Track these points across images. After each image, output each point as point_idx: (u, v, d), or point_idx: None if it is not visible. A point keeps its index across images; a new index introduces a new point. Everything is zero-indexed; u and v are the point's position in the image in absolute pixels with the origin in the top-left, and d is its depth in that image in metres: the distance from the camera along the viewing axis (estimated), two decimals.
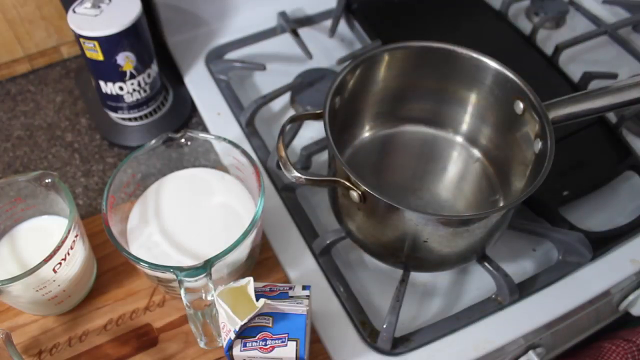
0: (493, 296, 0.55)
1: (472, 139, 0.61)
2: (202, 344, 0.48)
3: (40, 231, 0.54)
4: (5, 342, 0.45)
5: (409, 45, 0.56)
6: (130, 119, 0.67)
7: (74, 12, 0.58)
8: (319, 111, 0.51)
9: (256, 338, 0.42)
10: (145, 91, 0.65)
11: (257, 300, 0.42)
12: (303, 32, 0.78)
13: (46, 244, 0.51)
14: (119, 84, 0.62)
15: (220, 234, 0.52)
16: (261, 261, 0.57)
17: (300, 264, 0.57)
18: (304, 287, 0.46)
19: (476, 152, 0.61)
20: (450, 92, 0.59)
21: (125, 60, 0.60)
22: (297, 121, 0.54)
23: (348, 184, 0.47)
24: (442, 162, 0.61)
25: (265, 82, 0.74)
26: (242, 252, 0.50)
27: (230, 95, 0.71)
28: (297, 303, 0.43)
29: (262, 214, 0.49)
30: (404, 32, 0.75)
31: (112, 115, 0.68)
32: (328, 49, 0.78)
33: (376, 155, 0.62)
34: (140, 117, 0.67)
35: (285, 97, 0.71)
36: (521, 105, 0.52)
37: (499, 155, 0.59)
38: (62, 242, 0.47)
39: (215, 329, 0.46)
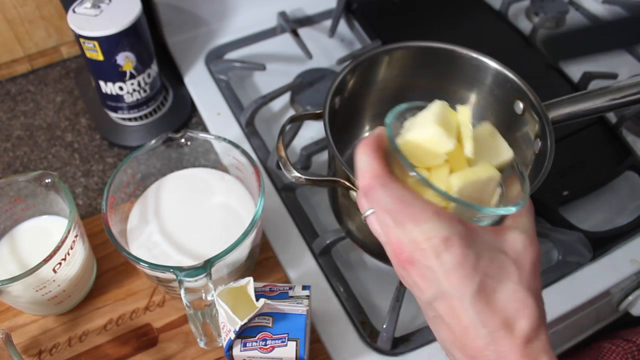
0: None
1: None
2: (202, 344, 0.48)
3: (40, 231, 0.54)
4: (5, 342, 0.45)
5: (409, 45, 0.56)
6: (130, 119, 0.67)
7: (74, 12, 0.58)
8: (319, 111, 0.51)
9: (256, 338, 0.42)
10: (145, 91, 0.65)
11: (257, 300, 0.42)
12: (303, 32, 0.78)
13: (46, 244, 0.52)
14: (119, 84, 0.62)
15: (220, 234, 0.52)
16: (261, 261, 0.57)
17: (300, 264, 0.57)
18: (304, 287, 0.46)
19: None
20: (450, 92, 0.59)
21: (125, 60, 0.60)
22: (297, 121, 0.54)
23: (348, 184, 0.47)
24: None
25: (265, 82, 0.74)
26: (242, 252, 0.50)
27: (230, 95, 0.71)
28: (297, 303, 0.43)
29: (262, 214, 0.49)
30: (404, 32, 0.75)
31: (112, 115, 0.68)
32: (328, 49, 0.78)
33: None
34: (140, 117, 0.67)
35: (285, 97, 0.71)
36: (521, 105, 0.52)
37: None
38: (62, 242, 0.47)
39: (215, 329, 0.46)
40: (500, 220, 0.35)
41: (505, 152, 0.36)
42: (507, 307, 0.32)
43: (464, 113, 0.36)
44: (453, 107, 0.37)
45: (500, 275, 0.32)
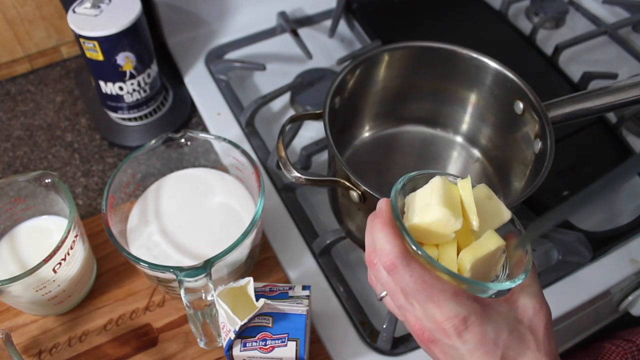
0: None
1: (472, 139, 0.61)
2: (202, 344, 0.48)
3: (40, 231, 0.54)
4: (5, 342, 0.45)
5: (409, 45, 0.56)
6: (130, 119, 0.67)
7: (74, 12, 0.58)
8: (319, 111, 0.51)
9: (256, 338, 0.42)
10: (145, 91, 0.65)
11: (257, 300, 0.42)
12: (303, 32, 0.78)
13: (46, 244, 0.52)
14: (119, 84, 0.62)
15: (220, 234, 0.52)
16: (261, 261, 0.57)
17: (300, 264, 0.57)
18: (304, 287, 0.46)
19: (476, 152, 0.61)
20: (450, 92, 0.59)
21: (125, 60, 0.60)
22: (297, 121, 0.54)
23: (348, 184, 0.47)
24: (442, 162, 0.61)
25: (265, 82, 0.74)
26: (242, 252, 0.50)
27: (230, 95, 0.71)
28: (297, 303, 0.44)
29: (262, 214, 0.49)
30: (404, 32, 0.75)
31: (112, 115, 0.68)
32: (328, 49, 0.78)
33: (376, 155, 0.62)
34: (140, 117, 0.68)
35: (285, 97, 0.71)
36: (521, 105, 0.52)
37: (499, 155, 0.59)
38: (62, 242, 0.47)
39: (215, 329, 0.46)
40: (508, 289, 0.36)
41: (504, 214, 0.37)
42: None
43: (466, 187, 0.36)
44: (454, 178, 0.38)
45: (519, 346, 0.34)
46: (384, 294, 0.39)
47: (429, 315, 0.34)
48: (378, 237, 0.35)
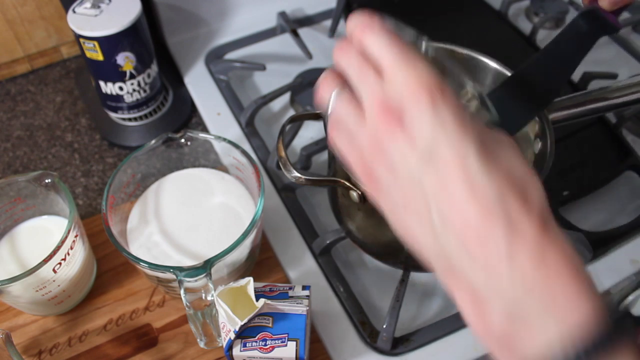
0: None
1: None
2: (202, 344, 0.48)
3: (40, 231, 0.54)
4: (5, 342, 0.45)
5: None
6: (130, 119, 0.67)
7: (74, 12, 0.58)
8: (319, 111, 0.51)
9: (256, 338, 0.42)
10: (145, 91, 0.65)
11: (257, 300, 0.42)
12: (303, 32, 0.78)
13: (46, 244, 0.52)
14: (118, 84, 0.62)
15: (220, 234, 0.52)
16: (261, 261, 0.57)
17: (300, 264, 0.57)
18: (304, 287, 0.46)
19: None
20: None
21: (125, 60, 0.60)
22: (297, 121, 0.54)
23: (348, 184, 0.47)
24: None
25: (265, 82, 0.74)
26: (242, 252, 0.50)
27: (230, 95, 0.71)
28: (297, 303, 0.44)
29: (262, 214, 0.49)
30: None
31: (112, 115, 0.68)
32: (328, 49, 0.78)
33: None
34: (140, 117, 0.68)
35: (285, 97, 0.71)
36: None
37: None
38: (62, 242, 0.47)
39: (215, 329, 0.46)
40: None
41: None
42: (514, 169, 0.25)
43: None
44: None
45: (497, 140, 0.27)
46: (333, 95, 0.31)
47: (399, 82, 0.27)
48: (354, 15, 0.30)
